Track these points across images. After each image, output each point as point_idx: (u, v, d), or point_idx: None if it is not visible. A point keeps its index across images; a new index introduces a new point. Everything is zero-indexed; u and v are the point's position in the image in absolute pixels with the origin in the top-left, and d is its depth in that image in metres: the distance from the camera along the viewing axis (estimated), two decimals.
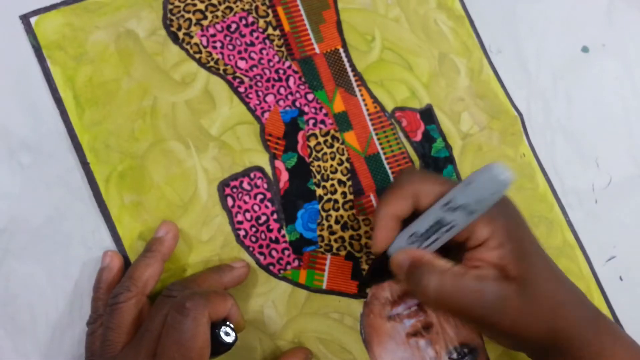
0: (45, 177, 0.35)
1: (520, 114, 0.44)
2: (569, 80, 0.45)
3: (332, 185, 0.39)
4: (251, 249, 0.37)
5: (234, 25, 0.40)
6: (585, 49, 0.45)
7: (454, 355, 0.38)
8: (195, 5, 0.39)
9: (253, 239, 0.37)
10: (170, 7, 0.39)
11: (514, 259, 0.30)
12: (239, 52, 0.39)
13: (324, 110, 0.40)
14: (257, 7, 0.40)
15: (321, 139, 0.40)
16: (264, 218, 0.38)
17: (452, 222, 0.29)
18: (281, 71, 0.40)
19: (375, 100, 0.41)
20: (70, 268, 0.35)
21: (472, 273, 0.30)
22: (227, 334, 0.31)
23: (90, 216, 0.35)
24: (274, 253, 0.37)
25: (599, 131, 0.45)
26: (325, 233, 0.38)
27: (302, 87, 0.40)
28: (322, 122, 0.40)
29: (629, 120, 0.45)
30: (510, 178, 0.27)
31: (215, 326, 0.30)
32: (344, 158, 0.40)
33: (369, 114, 0.41)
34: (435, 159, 0.41)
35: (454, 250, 0.32)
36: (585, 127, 0.44)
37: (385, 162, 0.40)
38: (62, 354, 0.34)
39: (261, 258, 0.37)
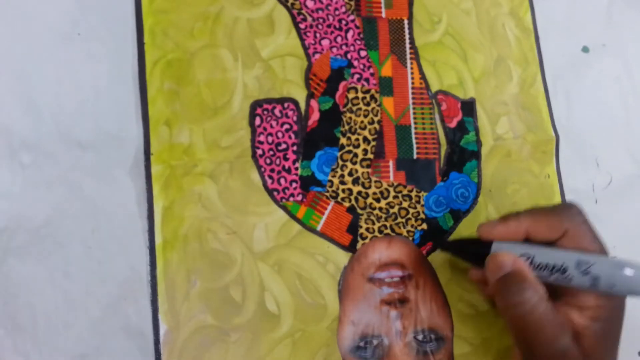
0: (45, 177, 0.35)
1: (557, 137, 0.44)
2: (569, 80, 0.45)
3: (357, 139, 0.40)
4: (262, 169, 0.38)
5: None
6: (585, 49, 0.45)
7: (420, 337, 0.38)
8: None
9: (268, 160, 0.38)
10: None
11: (596, 340, 0.30)
12: None
13: (371, 70, 0.41)
14: None
15: (360, 95, 0.41)
16: (284, 146, 0.39)
17: (573, 279, 0.29)
18: (343, 22, 0.41)
19: (423, 76, 0.42)
20: (70, 268, 0.34)
21: (560, 318, 0.30)
22: None
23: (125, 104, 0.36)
24: (282, 181, 0.38)
25: (599, 131, 0.44)
26: (336, 180, 0.39)
27: (358, 42, 0.41)
28: (367, 80, 0.41)
29: (629, 120, 0.45)
30: None
31: None
32: (376, 119, 0.41)
33: (413, 88, 0.42)
34: (463, 150, 0.42)
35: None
36: (585, 127, 0.44)
37: (413, 136, 0.41)
38: (62, 354, 0.33)
39: (269, 181, 0.38)
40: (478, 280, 0.37)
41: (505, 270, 0.31)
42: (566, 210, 0.32)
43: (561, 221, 0.31)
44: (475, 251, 0.33)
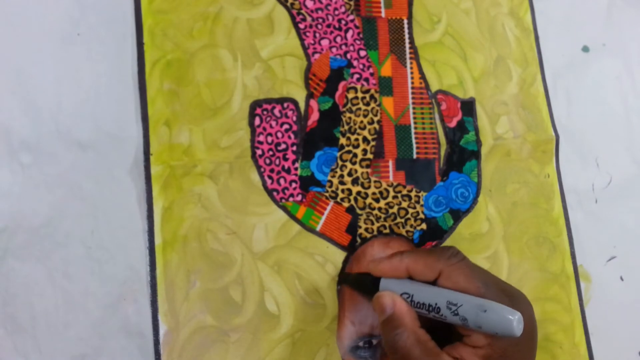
0: (45, 177, 0.35)
1: (557, 136, 0.44)
2: (569, 80, 0.45)
3: (357, 139, 0.40)
4: (262, 169, 0.38)
5: None
6: (585, 49, 0.45)
7: None
8: None
9: (267, 161, 0.38)
10: None
11: None
12: None
13: (371, 70, 0.41)
14: None
15: (360, 95, 0.41)
16: (283, 146, 0.39)
17: (447, 318, 0.30)
18: (343, 22, 0.41)
19: (422, 76, 0.42)
20: (70, 268, 0.34)
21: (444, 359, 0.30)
22: None
23: (125, 100, 0.36)
24: (281, 181, 0.38)
25: (599, 131, 0.44)
26: (335, 180, 0.39)
27: (357, 42, 0.41)
28: (366, 80, 0.41)
29: (629, 120, 0.45)
30: (520, 332, 0.27)
31: None
32: (375, 119, 0.41)
33: (413, 87, 0.42)
34: (462, 149, 0.42)
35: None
36: (585, 126, 0.44)
37: (413, 136, 0.41)
38: (62, 354, 0.33)
39: (269, 181, 0.38)
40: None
41: (387, 313, 0.31)
42: (444, 251, 0.32)
43: (437, 261, 0.31)
44: (369, 286, 0.34)
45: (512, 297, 0.30)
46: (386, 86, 0.41)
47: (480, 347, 0.30)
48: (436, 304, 0.30)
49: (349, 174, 0.40)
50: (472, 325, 0.28)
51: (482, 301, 0.28)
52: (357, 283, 0.36)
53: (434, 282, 0.31)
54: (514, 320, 0.27)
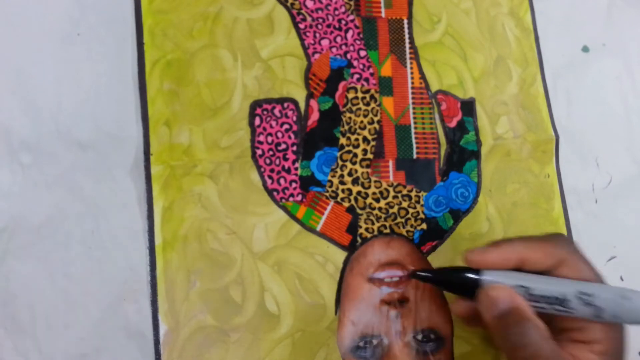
0: (45, 177, 0.35)
1: (557, 136, 0.44)
2: (569, 80, 0.45)
3: (357, 139, 0.40)
4: (262, 169, 0.38)
5: None
6: (585, 49, 0.45)
7: (419, 337, 0.38)
8: None
9: (267, 161, 0.38)
10: None
11: None
12: None
13: (371, 70, 0.41)
14: None
15: (360, 95, 0.41)
16: (283, 146, 0.39)
17: (575, 310, 0.27)
18: (343, 22, 0.41)
19: (422, 76, 0.42)
20: (70, 268, 0.34)
21: (567, 357, 0.28)
22: None
23: (125, 100, 0.37)
24: (282, 181, 0.38)
25: (599, 131, 0.44)
26: (335, 180, 0.39)
27: (357, 42, 0.41)
28: (366, 80, 0.41)
29: (629, 120, 0.45)
30: None
31: None
32: (375, 119, 0.41)
33: (413, 87, 0.42)
34: (462, 149, 0.42)
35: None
36: (585, 127, 0.44)
37: (413, 136, 0.41)
38: (62, 354, 0.33)
39: (269, 181, 0.38)
40: (464, 313, 0.33)
41: (502, 308, 0.28)
42: (560, 238, 0.30)
43: (557, 249, 0.29)
44: (461, 281, 0.30)
45: None
46: (386, 86, 0.41)
47: (595, 342, 0.27)
48: (564, 295, 0.27)
49: (349, 174, 0.40)
50: (608, 317, 0.26)
51: (622, 289, 0.26)
52: (447, 279, 0.31)
53: (546, 272, 0.28)
54: None
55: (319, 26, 0.41)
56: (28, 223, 0.34)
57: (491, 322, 0.29)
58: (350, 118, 0.40)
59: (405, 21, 0.43)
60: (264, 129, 0.39)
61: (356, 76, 0.41)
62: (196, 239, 0.36)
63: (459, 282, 0.30)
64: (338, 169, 0.39)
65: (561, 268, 0.28)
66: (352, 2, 0.42)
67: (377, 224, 0.39)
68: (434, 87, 0.42)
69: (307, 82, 0.40)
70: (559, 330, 0.29)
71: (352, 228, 0.39)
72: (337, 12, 0.41)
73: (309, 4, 0.41)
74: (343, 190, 0.39)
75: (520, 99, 0.44)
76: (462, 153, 0.42)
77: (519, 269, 0.29)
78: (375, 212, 0.40)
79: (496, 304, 0.28)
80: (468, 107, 0.43)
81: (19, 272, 0.34)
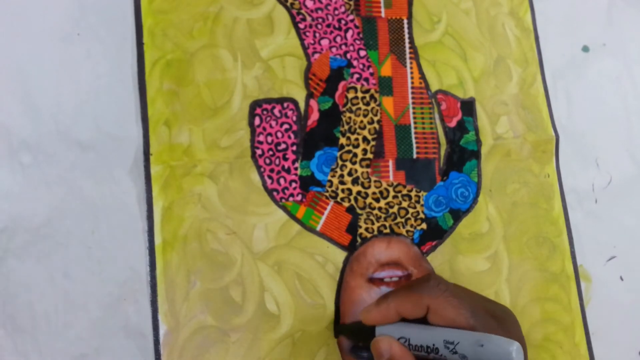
0: (45, 177, 0.35)
1: (557, 136, 0.44)
2: (569, 80, 0.45)
3: (357, 139, 0.40)
4: (262, 169, 0.38)
5: None
6: (585, 49, 0.45)
7: None
8: None
9: (267, 161, 0.38)
10: None
11: None
12: None
13: (371, 70, 0.41)
14: None
15: (360, 95, 0.41)
16: (283, 146, 0.39)
17: (446, 357, 0.29)
18: (343, 22, 0.41)
19: (422, 76, 0.42)
20: (70, 268, 0.34)
21: None
22: None
23: (124, 100, 0.37)
24: (281, 181, 0.38)
25: (599, 131, 0.45)
26: (335, 180, 0.39)
27: (357, 42, 0.41)
28: (366, 79, 0.41)
29: (629, 120, 0.45)
30: None
31: None
32: (375, 119, 0.41)
33: (413, 87, 0.42)
34: (462, 149, 0.42)
35: None
36: (585, 127, 0.44)
37: (413, 136, 0.41)
38: (62, 354, 0.33)
39: (269, 181, 0.38)
40: None
41: (385, 357, 0.31)
42: (424, 284, 0.31)
43: (420, 297, 0.30)
44: (366, 334, 0.33)
45: (499, 319, 0.30)
46: (386, 86, 0.41)
47: None
48: (434, 345, 0.29)
49: (349, 174, 0.40)
50: None
51: (478, 335, 0.28)
52: (354, 333, 0.35)
53: (425, 318, 0.30)
54: (513, 351, 0.27)
55: (319, 26, 0.41)
56: (28, 223, 0.34)
57: None
58: (350, 118, 0.40)
59: (405, 21, 0.43)
60: (264, 129, 0.39)
61: (356, 76, 0.41)
62: (196, 239, 0.36)
63: (362, 336, 0.34)
64: (338, 169, 0.39)
65: (431, 315, 0.30)
66: (352, 2, 0.42)
67: (377, 224, 0.39)
68: (434, 87, 0.42)
69: (307, 82, 0.40)
70: None
71: (352, 228, 0.39)
72: (336, 12, 0.41)
73: (309, 3, 0.41)
74: (343, 190, 0.39)
75: (520, 99, 0.44)
76: (462, 153, 0.42)
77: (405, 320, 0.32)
78: (375, 212, 0.40)
79: (379, 354, 0.31)
80: (468, 107, 0.43)
81: (19, 272, 0.34)
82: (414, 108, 0.42)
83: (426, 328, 0.30)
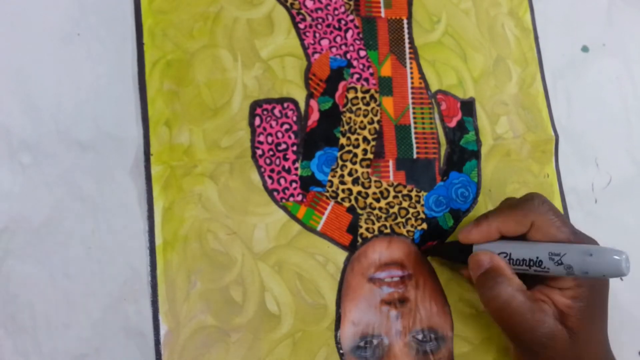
0: (45, 177, 0.35)
1: (556, 136, 0.44)
2: (569, 80, 0.46)
3: (357, 139, 0.40)
4: (262, 169, 0.38)
5: None
6: (585, 49, 0.45)
7: (419, 336, 0.38)
8: None
9: (267, 161, 0.38)
10: None
11: (580, 317, 0.32)
12: None
13: (370, 70, 0.41)
14: None
15: (360, 95, 0.41)
16: (283, 146, 0.39)
17: (550, 269, 0.31)
18: (343, 22, 0.41)
19: (422, 76, 0.42)
20: (70, 268, 0.34)
21: (540, 303, 0.32)
22: None
23: (124, 100, 0.37)
24: (282, 181, 0.38)
25: (599, 131, 0.45)
26: (336, 180, 0.39)
27: (357, 42, 0.41)
28: (366, 80, 0.41)
29: (628, 121, 0.45)
30: (628, 271, 0.28)
31: None
32: (375, 119, 0.41)
33: (413, 87, 0.42)
34: (462, 149, 0.42)
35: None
36: (585, 127, 0.44)
37: (413, 136, 0.41)
38: (62, 354, 0.33)
39: (269, 181, 0.38)
40: (468, 277, 0.38)
41: (484, 268, 0.33)
42: (529, 202, 0.33)
43: (526, 215, 0.32)
44: (462, 252, 0.35)
45: (592, 242, 0.32)
46: (386, 86, 0.41)
47: (566, 289, 0.31)
48: (537, 257, 0.30)
49: (350, 174, 0.40)
50: (578, 272, 0.29)
51: (586, 246, 0.29)
52: (450, 253, 0.37)
53: (523, 236, 0.32)
54: (622, 260, 0.28)
55: (319, 26, 0.41)
56: (28, 223, 0.34)
57: (476, 280, 0.34)
58: (350, 118, 0.40)
59: (405, 21, 0.43)
60: (264, 129, 0.39)
61: (356, 76, 0.41)
62: (196, 239, 0.36)
63: (459, 254, 0.35)
64: (338, 169, 0.39)
65: (533, 232, 0.32)
66: (351, 2, 0.42)
67: (377, 224, 0.40)
68: (434, 87, 0.42)
69: (307, 82, 0.40)
70: (540, 279, 0.33)
71: (353, 228, 0.39)
72: (336, 12, 0.41)
73: (309, 4, 0.41)
74: (343, 190, 0.39)
75: (520, 99, 0.44)
76: (462, 153, 0.42)
77: (504, 237, 0.34)
78: (376, 212, 0.40)
79: (479, 265, 0.33)
80: (468, 107, 0.43)
81: (19, 272, 0.34)
82: (414, 108, 0.42)
83: (528, 243, 0.32)
